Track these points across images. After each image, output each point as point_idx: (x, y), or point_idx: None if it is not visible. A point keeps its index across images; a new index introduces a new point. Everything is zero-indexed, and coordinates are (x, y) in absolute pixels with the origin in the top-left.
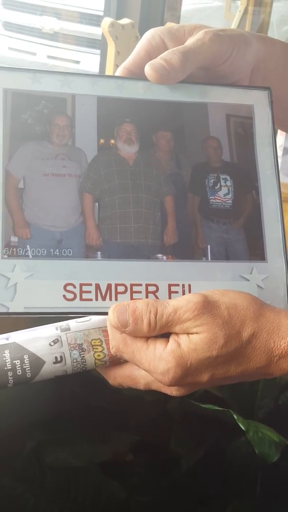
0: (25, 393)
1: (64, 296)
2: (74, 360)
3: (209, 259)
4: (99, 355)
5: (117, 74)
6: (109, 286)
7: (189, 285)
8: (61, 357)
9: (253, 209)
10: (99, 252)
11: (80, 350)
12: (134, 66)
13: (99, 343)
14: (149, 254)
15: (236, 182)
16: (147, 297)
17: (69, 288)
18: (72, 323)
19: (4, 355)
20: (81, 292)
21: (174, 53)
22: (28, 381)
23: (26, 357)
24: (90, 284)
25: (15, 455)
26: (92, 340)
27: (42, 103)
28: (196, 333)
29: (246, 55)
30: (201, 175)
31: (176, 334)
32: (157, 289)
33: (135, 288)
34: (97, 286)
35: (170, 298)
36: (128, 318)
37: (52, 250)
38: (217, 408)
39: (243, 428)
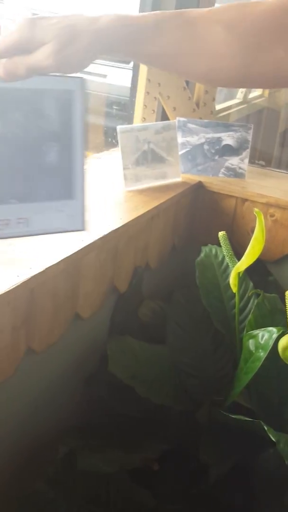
0: (55, 400)
1: None
2: None
3: None
4: None
5: None
6: None
7: None
8: None
9: (68, 161)
10: None
11: None
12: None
13: None
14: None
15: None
16: None
17: None
18: None
19: None
20: None
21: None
22: None
23: None
24: None
25: (48, 461)
26: None
27: None
28: None
29: (75, 48)
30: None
31: None
32: None
33: None
34: None
35: None
36: None
37: None
38: (247, 419)
39: (274, 439)
